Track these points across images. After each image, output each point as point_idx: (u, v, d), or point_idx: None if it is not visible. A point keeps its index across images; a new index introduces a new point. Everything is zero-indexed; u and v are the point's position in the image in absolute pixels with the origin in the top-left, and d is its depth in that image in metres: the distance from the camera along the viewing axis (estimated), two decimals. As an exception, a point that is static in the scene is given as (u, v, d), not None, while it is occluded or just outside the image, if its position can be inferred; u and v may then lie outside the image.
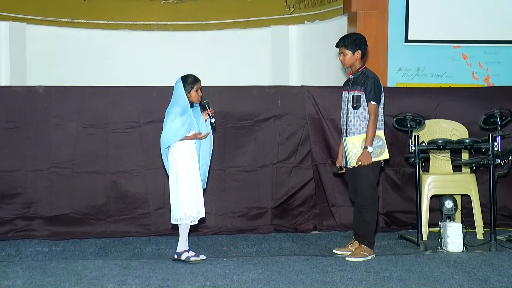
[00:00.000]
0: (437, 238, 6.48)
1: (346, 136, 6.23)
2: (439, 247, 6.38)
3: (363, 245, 6.13)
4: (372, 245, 6.19)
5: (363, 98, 6.13)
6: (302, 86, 7.55)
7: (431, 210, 6.92)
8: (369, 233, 6.19)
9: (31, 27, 10.96)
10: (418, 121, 6.70)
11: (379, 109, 6.14)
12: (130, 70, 11.00)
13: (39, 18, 11.05)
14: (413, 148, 6.61)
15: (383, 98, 6.23)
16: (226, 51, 11.40)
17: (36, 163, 7.09)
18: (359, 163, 6.07)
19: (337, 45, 6.35)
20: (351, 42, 6.27)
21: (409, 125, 6.70)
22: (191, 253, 6.01)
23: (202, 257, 6.07)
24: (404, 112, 6.80)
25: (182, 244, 6.04)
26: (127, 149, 7.12)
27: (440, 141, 6.67)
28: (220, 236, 7.15)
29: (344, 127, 6.29)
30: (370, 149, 6.05)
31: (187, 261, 5.92)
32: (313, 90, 7.47)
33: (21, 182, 7.10)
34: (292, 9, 11.11)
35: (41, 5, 11.07)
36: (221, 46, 11.44)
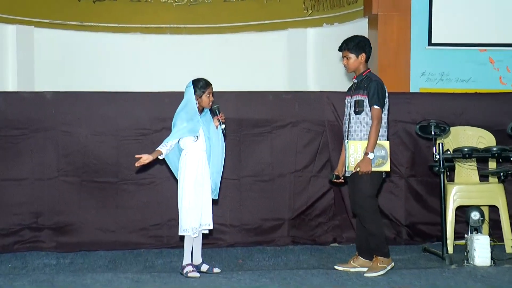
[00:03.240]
0: (463, 251, 6.44)
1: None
2: (465, 261, 6.34)
3: (379, 257, 6.10)
4: (388, 253, 6.16)
5: (366, 102, 6.11)
6: (321, 92, 7.54)
7: (457, 221, 6.89)
8: (380, 243, 6.15)
9: (39, 31, 10.99)
10: (442, 128, 6.67)
11: (383, 115, 6.12)
12: (141, 75, 11.05)
13: (48, 21, 11.11)
14: (438, 156, 6.57)
15: (387, 103, 6.19)
16: (240, 55, 11.40)
17: (44, 172, 7.09)
18: (358, 169, 6.01)
19: (340, 49, 6.34)
20: (355, 45, 6.26)
21: (433, 133, 6.66)
22: (190, 268, 6.04)
23: (217, 270, 6.09)
24: (428, 119, 6.77)
25: (185, 257, 6.11)
26: (138, 157, 7.08)
27: (466, 149, 6.64)
28: (235, 248, 7.14)
29: (346, 133, 6.27)
30: (371, 155, 6.00)
31: (185, 275, 5.95)
32: (333, 96, 7.44)
33: (29, 191, 7.09)
34: (310, 11, 11.12)
35: (50, 8, 11.12)
36: (236, 49, 11.45)
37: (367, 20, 9.49)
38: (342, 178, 6.32)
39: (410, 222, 7.45)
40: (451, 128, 6.94)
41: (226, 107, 7.02)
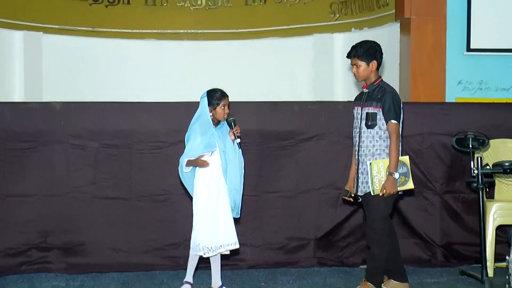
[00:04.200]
0: (505, 274, 6.30)
1: (358, 159, 6.13)
2: (507, 285, 6.19)
3: (368, 283, 6.09)
4: (380, 283, 6.14)
5: (380, 115, 6.02)
6: (350, 102, 7.30)
7: (497, 242, 6.78)
8: (375, 269, 6.12)
9: (47, 37, 11.00)
10: (481, 141, 6.56)
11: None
12: (156, 83, 11.03)
13: (57, 27, 11.09)
14: (476, 171, 6.44)
15: (402, 115, 6.13)
16: (262, 62, 11.32)
17: (52, 188, 7.05)
18: (384, 191, 5.95)
19: (349, 56, 6.23)
20: (365, 51, 6.14)
21: (470, 146, 6.56)
22: (186, 286, 6.16)
23: None
24: (465, 131, 6.66)
25: (187, 274, 6.21)
26: (152, 171, 7.06)
27: (507, 164, 6.54)
28: (257, 270, 7.06)
29: (356, 148, 6.19)
30: (396, 175, 5.96)
31: None
32: None
33: (36, 208, 7.06)
34: (337, 15, 11.05)
35: (59, 13, 11.12)
36: (257, 56, 11.38)
37: (398, 24, 9.44)
38: (353, 196, 6.31)
39: (446, 242, 7.31)
40: (491, 141, 6.81)
41: (247, 118, 7.11)
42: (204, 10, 11.50)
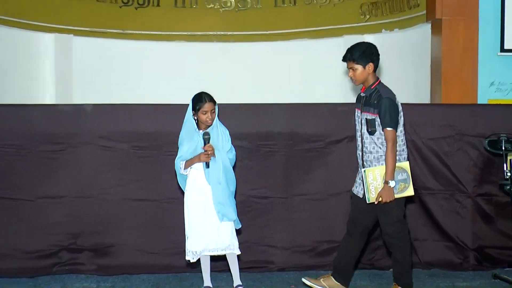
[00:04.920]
0: None
1: (363, 164, 6.08)
2: None
3: (399, 287, 6.13)
4: (410, 285, 6.14)
5: (378, 121, 5.95)
6: None
7: None
8: (403, 272, 6.11)
9: (77, 39, 11.08)
10: None
11: (399, 132, 6.01)
12: (185, 85, 10.76)
13: (87, 29, 11.19)
14: (509, 174, 6.49)
15: (402, 118, 6.06)
16: (291, 64, 11.26)
17: (82, 189, 7.11)
18: (380, 199, 5.93)
19: (344, 59, 6.16)
20: (361, 54, 6.06)
21: (503, 148, 6.57)
22: None
23: None
24: (498, 133, 6.67)
25: (204, 280, 6.34)
26: (182, 173, 7.08)
27: None
28: (287, 272, 7.07)
29: (360, 153, 6.16)
30: (392, 183, 5.90)
31: None
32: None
33: (67, 210, 7.11)
34: (368, 16, 11.03)
35: (89, 15, 11.20)
36: (286, 58, 11.32)
37: (429, 25, 9.42)
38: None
39: (478, 245, 7.27)
40: (524, 143, 6.77)
41: (276, 120, 7.23)
42: (233, 11, 11.61)
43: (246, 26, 11.50)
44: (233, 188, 6.31)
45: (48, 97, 10.73)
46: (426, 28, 9.51)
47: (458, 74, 8.67)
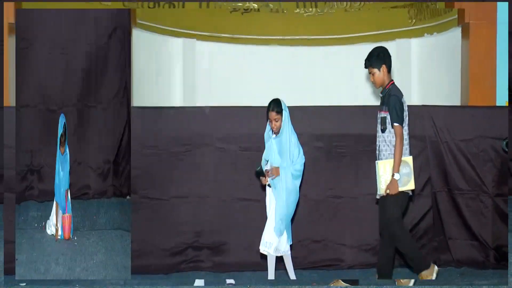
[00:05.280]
0: None
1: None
2: None
3: (421, 273, 5.99)
4: (428, 264, 5.98)
5: (389, 119, 5.88)
6: (423, 106, 7.43)
7: None
8: (416, 259, 6.00)
9: (200, 44, 10.71)
10: None
11: (404, 128, 5.94)
12: (292, 88, 10.42)
13: (208, 34, 10.78)
14: None
15: (407, 118, 5.97)
16: (351, 68, 10.31)
17: (202, 190, 7.12)
18: (387, 191, 5.82)
19: (366, 66, 6.08)
20: (375, 58, 6.01)
21: None
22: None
23: None
24: None
25: (269, 274, 6.26)
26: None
27: None
28: (355, 270, 7.11)
29: (377, 151, 6.07)
30: (397, 176, 5.77)
31: None
32: (434, 111, 7.25)
33: (191, 210, 7.11)
34: (414, 20, 10.29)
35: (209, 21, 10.79)
36: (347, 62, 10.52)
37: (460, 29, 9.13)
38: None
39: (497, 244, 7.10)
40: (540, 145, 6.93)
41: (342, 122, 7.11)
42: (314, 16, 10.73)
43: (325, 31, 10.79)
44: (292, 209, 6.15)
45: (177, 100, 10.44)
46: (459, 32, 9.12)
47: (478, 76, 8.43)
